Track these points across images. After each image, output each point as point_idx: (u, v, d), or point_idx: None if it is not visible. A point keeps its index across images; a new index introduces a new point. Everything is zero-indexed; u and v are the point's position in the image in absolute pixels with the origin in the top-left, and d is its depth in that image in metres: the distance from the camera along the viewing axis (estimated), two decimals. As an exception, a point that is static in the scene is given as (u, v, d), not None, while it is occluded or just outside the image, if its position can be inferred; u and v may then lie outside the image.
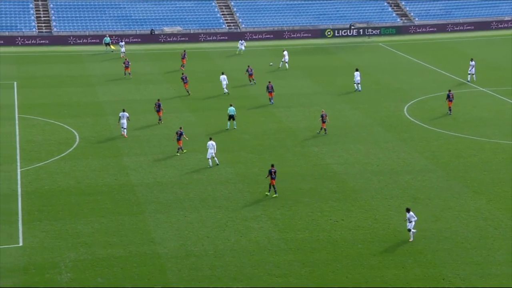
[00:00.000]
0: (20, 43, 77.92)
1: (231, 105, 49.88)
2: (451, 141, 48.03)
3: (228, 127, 49.50)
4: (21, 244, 32.96)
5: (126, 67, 64.45)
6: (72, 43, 78.76)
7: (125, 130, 47.66)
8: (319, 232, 34.81)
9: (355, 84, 60.73)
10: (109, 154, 44.95)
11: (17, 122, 50.90)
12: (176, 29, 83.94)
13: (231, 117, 49.37)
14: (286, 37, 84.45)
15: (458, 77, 65.43)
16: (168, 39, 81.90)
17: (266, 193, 38.92)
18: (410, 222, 33.40)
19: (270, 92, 56.14)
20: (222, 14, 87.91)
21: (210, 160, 42.91)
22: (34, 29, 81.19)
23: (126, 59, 66.03)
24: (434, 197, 38.98)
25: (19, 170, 41.79)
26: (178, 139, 44.62)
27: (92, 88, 61.15)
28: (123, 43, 73.78)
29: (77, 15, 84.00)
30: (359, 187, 40.26)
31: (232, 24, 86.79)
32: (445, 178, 41.52)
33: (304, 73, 67.55)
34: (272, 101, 56.30)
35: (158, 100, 51.89)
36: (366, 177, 41.67)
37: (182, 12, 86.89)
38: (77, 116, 52.64)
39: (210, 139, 43.48)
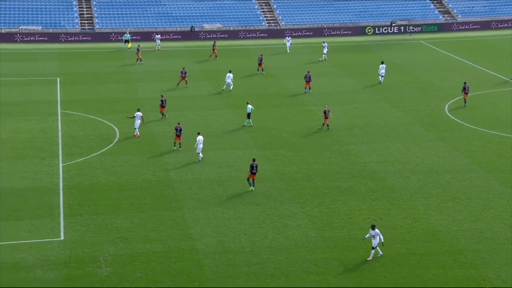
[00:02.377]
0: (63, 40, 79.12)
1: (248, 103, 49.70)
2: (493, 140, 47.28)
3: (245, 124, 49.42)
4: (62, 237, 33.53)
5: (138, 52, 68.09)
6: (113, 39, 79.64)
7: (136, 129, 47.54)
8: (357, 230, 34.62)
9: (379, 76, 60.54)
10: (149, 150, 45.38)
11: (59, 117, 51.74)
12: (216, 26, 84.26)
13: (248, 115, 49.26)
14: (326, 34, 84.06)
15: (501, 75, 64.33)
16: (208, 36, 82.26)
17: (250, 188, 38.84)
18: (374, 238, 31.42)
19: (307, 82, 57.49)
20: (262, 12, 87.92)
21: (200, 154, 43.08)
22: (77, 26, 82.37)
23: (138, 46, 69.51)
24: (474, 197, 38.44)
25: (61, 165, 42.49)
26: (178, 135, 44.50)
27: (133, 85, 61.78)
28: (159, 36, 75.79)
29: (119, 12, 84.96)
30: (398, 186, 39.91)
31: (272, 21, 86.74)
32: (486, 178, 40.90)
33: (344, 70, 67.18)
34: (309, 90, 57.76)
35: (162, 95, 52.15)
36: (405, 176, 41.29)
37: (222, 9, 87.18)
38: (118, 112, 53.23)
39: (199, 134, 43.78)
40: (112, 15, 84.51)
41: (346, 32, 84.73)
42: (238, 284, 29.92)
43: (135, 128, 47.66)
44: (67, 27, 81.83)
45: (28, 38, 78.42)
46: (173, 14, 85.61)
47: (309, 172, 42.06)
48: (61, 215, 35.76)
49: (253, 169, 38.50)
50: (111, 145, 46.06)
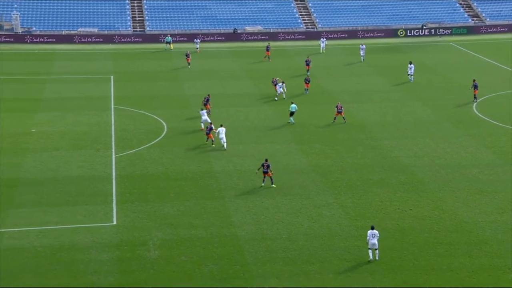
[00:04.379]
0: (117, 41, 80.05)
1: (292, 103, 49.43)
2: (519, 137, 46.36)
3: (289, 122, 49.02)
4: (115, 222, 34.00)
5: (187, 57, 67.23)
6: (162, 40, 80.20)
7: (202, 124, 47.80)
8: (388, 220, 34.34)
9: (408, 76, 60.19)
10: (194, 143, 45.65)
11: (112, 112, 52.39)
12: (257, 28, 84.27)
13: (292, 114, 48.89)
14: (360, 36, 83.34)
15: (528, 75, 62.97)
16: (250, 38, 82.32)
17: (262, 184, 38.22)
18: (372, 238, 30.18)
19: (307, 83, 57.36)
20: (300, 15, 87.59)
21: (223, 143, 43.64)
22: (129, 28, 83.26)
23: (187, 51, 68.72)
24: (500, 190, 37.76)
25: (114, 156, 43.05)
26: (208, 133, 44.64)
27: (180, 83, 62.19)
28: (199, 40, 75.34)
29: (168, 15, 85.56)
30: (427, 179, 39.43)
31: (309, 24, 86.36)
32: (512, 173, 40.15)
33: (377, 70, 66.55)
34: (306, 91, 57.10)
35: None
36: (434, 170, 40.77)
37: (263, 12, 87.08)
38: (166, 108, 53.67)
39: (221, 125, 44.33)
40: (161, 18, 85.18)
41: (379, 34, 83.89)
42: (276, 268, 29.97)
43: (202, 123, 47.40)
44: (120, 29, 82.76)
45: (86, 40, 79.55)
46: (217, 17, 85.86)
47: (343, 165, 41.83)
48: (114, 202, 36.25)
49: (264, 168, 37.99)
50: (159, 138, 46.47)
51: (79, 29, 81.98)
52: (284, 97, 55.18)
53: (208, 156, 43.22)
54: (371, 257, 30.30)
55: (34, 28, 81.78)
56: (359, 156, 43.30)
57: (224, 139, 43.93)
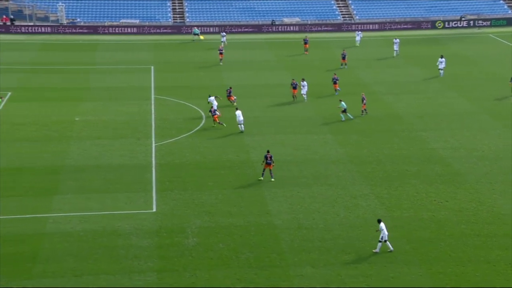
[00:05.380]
0: (157, 32, 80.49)
1: (341, 101, 48.50)
2: (558, 130, 45.17)
3: (344, 119, 47.75)
4: (154, 210, 34.29)
5: (220, 53, 65.09)
6: (201, 32, 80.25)
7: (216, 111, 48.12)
8: (424, 211, 33.89)
9: (439, 70, 58.59)
10: (232, 133, 45.68)
11: (153, 102, 52.77)
12: (295, 20, 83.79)
13: (344, 110, 47.76)
14: (398, 28, 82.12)
15: None
16: (287, 29, 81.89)
17: (260, 178, 37.64)
18: (382, 232, 29.77)
19: (335, 83, 53.91)
20: (338, 6, 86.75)
21: (240, 126, 44.56)
22: (170, 20, 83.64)
23: (220, 47, 66.73)
24: (539, 183, 36.91)
25: (153, 145, 43.39)
26: (213, 115, 45.78)
27: (218, 73, 62.27)
28: (225, 34, 73.74)
29: (207, 7, 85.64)
30: (464, 171, 38.76)
31: (346, 16, 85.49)
32: (551, 166, 39.17)
33: (415, 62, 65.58)
34: (336, 92, 53.66)
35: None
36: (472, 162, 40.05)
37: (300, 4, 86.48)
38: (204, 97, 53.71)
39: (237, 109, 45.07)
40: (201, 9, 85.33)
41: (417, 26, 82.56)
42: (312, 257, 29.85)
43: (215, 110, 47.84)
44: (161, 21, 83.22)
45: (128, 30, 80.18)
46: (256, 9, 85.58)
47: (379, 156, 41.39)
48: (154, 190, 36.56)
49: (267, 160, 37.56)
50: (198, 128, 46.65)
51: (121, 20, 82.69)
52: (305, 99, 52.08)
53: (246, 146, 43.23)
54: (377, 250, 29.84)
55: (78, 19, 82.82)
56: (396, 147, 42.78)
57: (242, 123, 44.48)
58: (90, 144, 43.27)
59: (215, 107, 47.07)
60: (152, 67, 64.30)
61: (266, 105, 51.56)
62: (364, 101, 48.78)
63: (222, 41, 72.08)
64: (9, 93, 53.58)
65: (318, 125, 47.22)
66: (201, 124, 47.46)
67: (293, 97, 52.01)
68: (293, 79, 53.00)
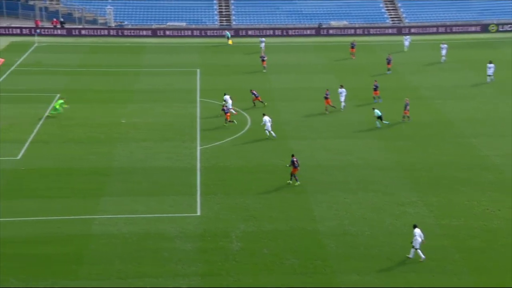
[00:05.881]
0: (203, 35, 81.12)
1: (374, 109, 47.67)
2: None
3: (379, 126, 47.02)
4: (199, 213, 34.51)
5: (263, 61, 63.73)
6: (247, 35, 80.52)
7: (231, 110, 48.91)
8: (475, 220, 33.19)
9: (487, 76, 57.11)
10: (277, 137, 45.62)
11: (198, 105, 53.15)
12: (343, 23, 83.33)
13: (379, 117, 47.05)
14: (449, 31, 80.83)
15: None
16: (335, 33, 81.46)
17: (288, 181, 37.59)
18: (416, 238, 29.42)
19: (375, 90, 52.52)
20: (387, 9, 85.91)
21: (268, 132, 44.32)
22: (216, 22, 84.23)
23: (262, 54, 65.47)
24: None
25: (198, 148, 43.70)
26: (226, 113, 46.86)
27: (265, 76, 62.34)
28: (264, 39, 72.37)
29: (254, 10, 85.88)
30: (517, 180, 37.83)
31: (395, 19, 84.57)
32: None
33: (467, 66, 64.41)
34: (379, 99, 52.23)
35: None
36: (525, 170, 39.06)
37: (348, 7, 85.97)
38: (250, 101, 53.88)
39: (264, 115, 44.85)
40: (247, 12, 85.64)
41: (470, 29, 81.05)
42: (357, 265, 29.57)
43: (230, 109, 48.66)
44: (207, 23, 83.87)
45: (174, 33, 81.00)
46: (303, 12, 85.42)
47: (427, 162, 40.77)
48: (198, 193, 36.80)
49: (294, 164, 37.41)
50: (243, 132, 46.76)
51: (168, 23, 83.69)
52: (341, 108, 50.55)
53: (290, 150, 43.11)
54: (423, 257, 29.45)
55: (126, 22, 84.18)
56: (445, 153, 42.06)
57: (270, 129, 44.39)
58: (136, 146, 43.86)
59: (229, 106, 48.09)
60: (198, 70, 64.79)
61: (310, 109, 51.36)
62: (407, 107, 47.96)
63: (261, 48, 71.34)
64: (58, 95, 54.77)
65: (362, 130, 46.81)
66: (246, 128, 47.59)
67: (326, 109, 50.20)
68: (327, 90, 51.05)
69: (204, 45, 76.58)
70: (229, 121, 47.34)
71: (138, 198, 36.15)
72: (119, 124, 48.22)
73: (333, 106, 50.05)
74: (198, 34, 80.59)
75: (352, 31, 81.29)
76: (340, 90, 51.17)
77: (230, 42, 76.32)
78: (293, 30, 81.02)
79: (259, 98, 51.78)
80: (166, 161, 41.47)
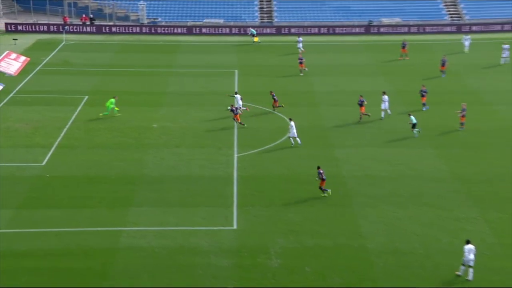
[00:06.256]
0: (242, 33, 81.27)
1: (410, 115, 46.89)
2: None
3: (416, 135, 46.11)
4: (235, 227, 34.42)
5: (300, 63, 63.18)
6: (290, 33, 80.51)
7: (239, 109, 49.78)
8: (542, 240, 32.34)
9: None
10: (321, 144, 45.40)
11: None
12: (395, 20, 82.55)
13: (413, 126, 46.16)
14: (513, 29, 79.42)
15: None
16: (386, 31, 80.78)
17: (322, 195, 37.37)
18: (468, 254, 28.98)
19: (423, 96, 51.54)
20: (445, 5, 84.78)
21: (292, 139, 44.29)
22: (256, 19, 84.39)
23: (300, 55, 64.75)
24: None
25: (235, 155, 43.68)
26: (235, 114, 47.73)
27: (307, 78, 62.13)
28: (301, 39, 71.54)
29: (298, 6, 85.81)
30: None
31: (455, 15, 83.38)
32: None
33: (532, 68, 63.10)
34: (425, 107, 51.52)
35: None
36: None
37: (401, 3, 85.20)
38: (292, 105, 53.75)
39: (290, 120, 44.69)
40: (290, 8, 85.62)
41: (537, 26, 79.52)
42: (409, 286, 29.04)
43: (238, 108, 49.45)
44: (247, 20, 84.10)
45: (211, 31, 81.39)
46: (351, 8, 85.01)
47: (487, 173, 39.95)
48: (235, 205, 36.75)
49: (321, 176, 37.26)
50: (283, 138, 46.60)
51: (204, 20, 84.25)
52: (388, 113, 50.15)
53: (335, 159, 42.82)
54: (460, 273, 28.90)
55: (159, 19, 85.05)
56: (509, 165, 41.13)
57: (295, 135, 44.33)
58: (168, 152, 44.09)
59: (239, 106, 49.31)
60: (236, 70, 64.92)
61: (357, 114, 50.84)
62: (464, 112, 47.05)
63: (298, 48, 70.78)
64: (86, 97, 55.53)
65: (414, 138, 46.17)
66: (287, 134, 47.41)
67: (360, 117, 49.47)
68: (360, 96, 50.16)
69: (243, 44, 76.76)
70: (240, 123, 48.05)
71: (170, 209, 36.27)
72: (150, 129, 48.57)
73: (366, 114, 49.29)
74: (236, 32, 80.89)
75: (406, 29, 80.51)
76: (383, 97, 50.09)
77: (256, 39, 76.36)
78: (341, 28, 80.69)
79: (277, 102, 51.49)
80: (200, 169, 41.55)
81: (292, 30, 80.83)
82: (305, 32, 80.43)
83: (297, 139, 44.82)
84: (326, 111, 51.64)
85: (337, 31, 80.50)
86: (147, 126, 49.08)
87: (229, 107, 49.16)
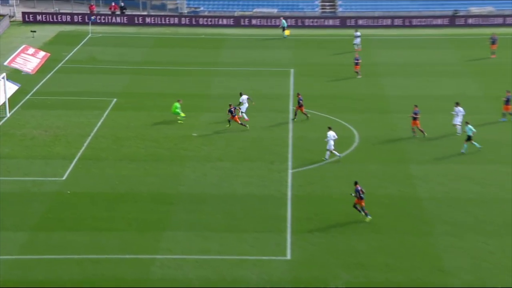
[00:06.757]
0: (300, 25, 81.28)
1: (467, 123, 46.01)
2: None
3: (464, 151, 45.38)
4: (289, 257, 34.27)
5: (356, 65, 62.21)
6: (357, 25, 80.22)
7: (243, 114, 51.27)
8: None
9: None
10: (393, 159, 44.99)
11: (291, 115, 53.10)
12: (487, 9, 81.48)
13: (469, 138, 45.43)
14: None
15: None
16: (475, 22, 79.77)
17: (366, 219, 37.10)
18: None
19: (506, 104, 50.48)
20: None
21: (328, 152, 44.22)
22: (316, 9, 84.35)
23: (356, 55, 63.74)
24: None
25: (290, 171, 43.57)
26: (233, 116, 49.42)
27: (378, 80, 61.77)
28: (359, 33, 70.80)
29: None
30: None
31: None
32: None
33: None
34: (505, 117, 50.66)
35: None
36: None
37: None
38: (358, 111, 53.46)
39: (330, 129, 44.66)
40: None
41: None
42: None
43: (243, 113, 50.97)
44: (305, 10, 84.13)
45: (262, 23, 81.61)
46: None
47: None
48: (288, 230, 36.62)
49: (359, 194, 36.86)
50: (348, 151, 46.34)
51: (254, 10, 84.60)
52: (458, 131, 48.52)
53: (411, 177, 42.37)
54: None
55: (202, 8, 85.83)
56: None
57: (332, 147, 44.33)
58: (209, 167, 44.26)
59: (243, 109, 51.23)
60: (292, 70, 64.91)
61: (438, 124, 50.37)
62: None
63: (355, 44, 70.25)
64: (115, 100, 56.26)
65: (507, 153, 45.41)
66: (353, 146, 47.18)
67: (413, 131, 48.28)
68: (415, 107, 48.40)
69: (301, 38, 76.75)
70: (241, 124, 49.61)
71: (211, 234, 36.35)
72: (189, 138, 48.89)
73: (421, 130, 48.27)
74: (293, 24, 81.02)
75: (500, 20, 79.30)
76: (456, 109, 48.98)
77: (287, 32, 76.16)
78: (419, 19, 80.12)
79: (303, 108, 51.15)
80: (248, 187, 41.58)
81: (360, 22, 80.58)
82: (375, 24, 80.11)
83: (335, 152, 44.52)
84: (399, 119, 51.14)
85: (414, 23, 79.96)
86: (185, 135, 49.40)
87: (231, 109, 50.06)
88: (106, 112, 53.74)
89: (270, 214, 38.40)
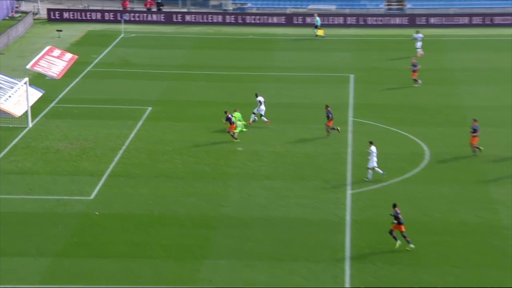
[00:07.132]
0: (362, 24, 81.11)
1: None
2: None
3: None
4: (347, 291, 34.27)
5: (413, 71, 61.59)
6: (430, 24, 79.84)
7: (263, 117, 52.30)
8: None
9: None
10: (470, 180, 44.64)
11: (350, 127, 53.01)
12: None
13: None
14: None
15: None
16: None
17: (408, 247, 37.07)
18: None
19: None
20: None
21: (370, 171, 44.37)
22: (382, 5, 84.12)
23: (413, 61, 62.81)
24: None
25: (349, 192, 43.44)
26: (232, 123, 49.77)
27: (452, 87, 61.37)
28: (421, 35, 69.95)
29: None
30: None
31: None
32: None
33: None
34: None
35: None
36: None
37: None
38: (429, 124, 53.14)
39: (371, 143, 44.88)
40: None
41: None
42: None
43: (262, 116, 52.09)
44: (368, 7, 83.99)
45: (324, 21, 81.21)
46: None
47: None
48: (347, 260, 36.48)
49: (398, 219, 36.93)
50: (417, 169, 46.09)
51: (309, 6, 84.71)
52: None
53: (492, 200, 41.96)
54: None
55: (249, 5, 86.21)
56: None
57: (374, 165, 44.24)
58: (256, 186, 44.35)
59: (260, 111, 52.25)
60: (352, 75, 64.79)
61: (500, 138, 49.93)
62: None
63: (417, 48, 69.71)
64: (149, 108, 56.70)
65: None
66: (422, 164, 46.90)
67: (473, 151, 48.02)
68: (474, 121, 48.20)
69: (364, 39, 76.58)
70: (232, 135, 50.25)
71: (257, 263, 36.38)
72: (234, 153, 49.05)
73: (477, 147, 47.88)
74: (354, 23, 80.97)
75: None
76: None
77: (319, 32, 75.88)
78: (502, 17, 79.35)
79: (332, 122, 50.89)
80: (300, 209, 41.56)
81: (432, 21, 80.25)
82: (450, 22, 79.69)
83: (379, 170, 44.43)
84: (482, 133, 50.64)
85: (496, 22, 79.34)
86: (230, 149, 49.57)
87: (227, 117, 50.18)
88: (140, 123, 54.17)
89: (326, 241, 38.30)
